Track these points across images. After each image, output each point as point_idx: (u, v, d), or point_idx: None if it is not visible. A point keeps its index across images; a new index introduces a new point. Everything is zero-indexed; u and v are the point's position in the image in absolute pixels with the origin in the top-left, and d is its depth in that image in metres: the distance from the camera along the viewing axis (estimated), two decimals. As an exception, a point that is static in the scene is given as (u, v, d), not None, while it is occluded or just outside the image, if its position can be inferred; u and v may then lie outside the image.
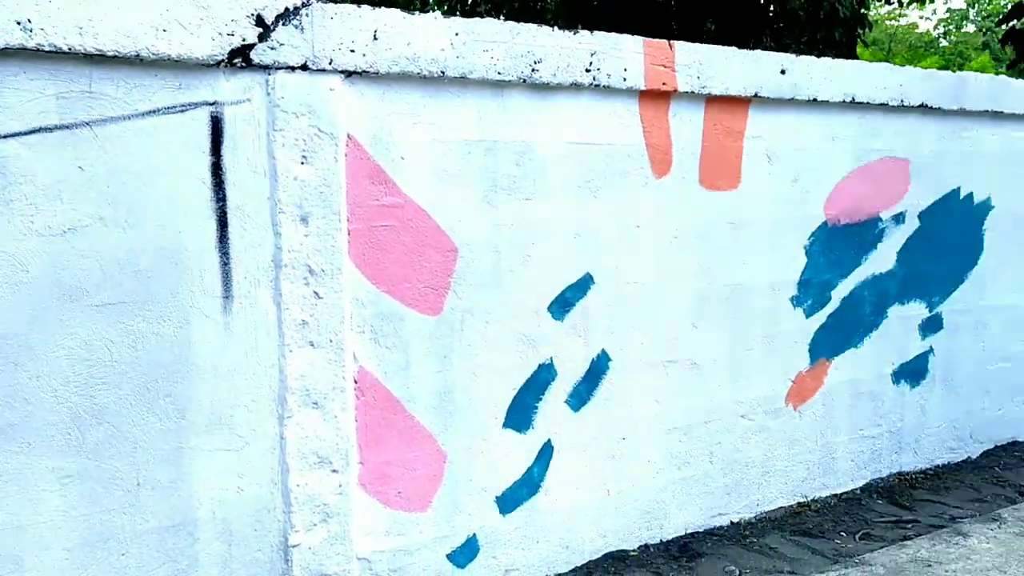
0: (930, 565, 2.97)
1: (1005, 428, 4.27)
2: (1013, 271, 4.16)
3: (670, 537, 3.20)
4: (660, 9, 9.54)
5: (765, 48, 9.36)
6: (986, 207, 4.02)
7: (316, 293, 2.38)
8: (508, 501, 2.85)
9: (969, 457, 4.12)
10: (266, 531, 2.39)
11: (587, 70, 2.78)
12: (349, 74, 2.40)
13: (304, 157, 2.34)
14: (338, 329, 2.42)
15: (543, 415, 2.87)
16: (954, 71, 3.86)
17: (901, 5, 13.79)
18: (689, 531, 3.26)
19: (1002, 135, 4.01)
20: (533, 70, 2.68)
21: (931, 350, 3.93)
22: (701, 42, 9.31)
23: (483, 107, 2.65)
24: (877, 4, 13.21)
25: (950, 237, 3.92)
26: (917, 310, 3.86)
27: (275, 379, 2.36)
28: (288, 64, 2.29)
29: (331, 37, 2.34)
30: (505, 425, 2.81)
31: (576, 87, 2.79)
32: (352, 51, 2.37)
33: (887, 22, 33.52)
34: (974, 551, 3.08)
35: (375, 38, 2.40)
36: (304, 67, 2.32)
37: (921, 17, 39.42)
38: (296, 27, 2.28)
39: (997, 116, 3.97)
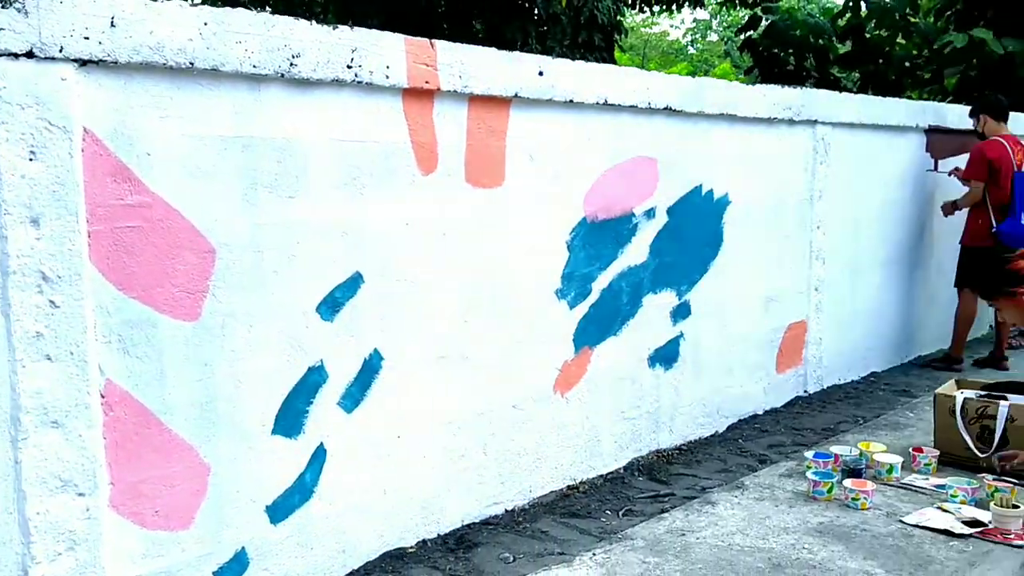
0: (683, 534, 3.21)
1: (746, 403, 4.72)
2: (749, 260, 4.60)
3: (447, 530, 3.24)
4: (429, 9, 9.61)
5: (531, 50, 9.69)
6: (725, 202, 4.41)
7: (52, 302, 2.17)
8: (279, 510, 2.75)
9: (717, 431, 4.51)
10: (1, 566, 2.15)
11: (348, 66, 2.74)
12: (84, 63, 2.20)
13: (32, 153, 2.12)
14: (80, 340, 2.23)
15: (314, 419, 2.80)
16: (700, 76, 4.19)
17: (653, 13, 14.81)
18: (466, 523, 3.32)
19: (737, 136, 4.42)
20: (292, 64, 2.60)
21: (682, 335, 4.25)
22: (470, 43, 9.50)
23: (239, 101, 2.53)
24: (632, 12, 14.09)
25: (695, 230, 4.26)
26: (668, 298, 4.17)
27: (6, 398, 2.13)
28: (10, 51, 2.07)
29: (61, 22, 2.14)
30: (274, 432, 2.72)
31: (338, 83, 2.75)
32: (87, 38, 2.18)
33: (642, 29, 35.91)
34: (721, 517, 3.37)
35: (113, 25, 2.22)
36: (30, 54, 2.10)
37: (671, 26, 42.44)
38: (19, 10, 2.06)
39: (732, 119, 4.36)
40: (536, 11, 9.87)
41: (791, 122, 4.73)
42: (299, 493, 2.80)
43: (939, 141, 6.03)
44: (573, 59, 10.39)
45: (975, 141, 5.77)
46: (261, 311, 2.64)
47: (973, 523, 3.21)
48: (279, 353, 2.70)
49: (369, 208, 2.89)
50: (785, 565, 2.95)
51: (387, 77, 2.85)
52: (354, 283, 2.87)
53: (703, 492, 3.69)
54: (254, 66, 2.51)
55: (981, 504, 3.37)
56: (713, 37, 41.64)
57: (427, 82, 2.98)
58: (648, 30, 36.94)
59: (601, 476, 3.87)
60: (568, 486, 3.73)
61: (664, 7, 13.77)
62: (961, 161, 6.08)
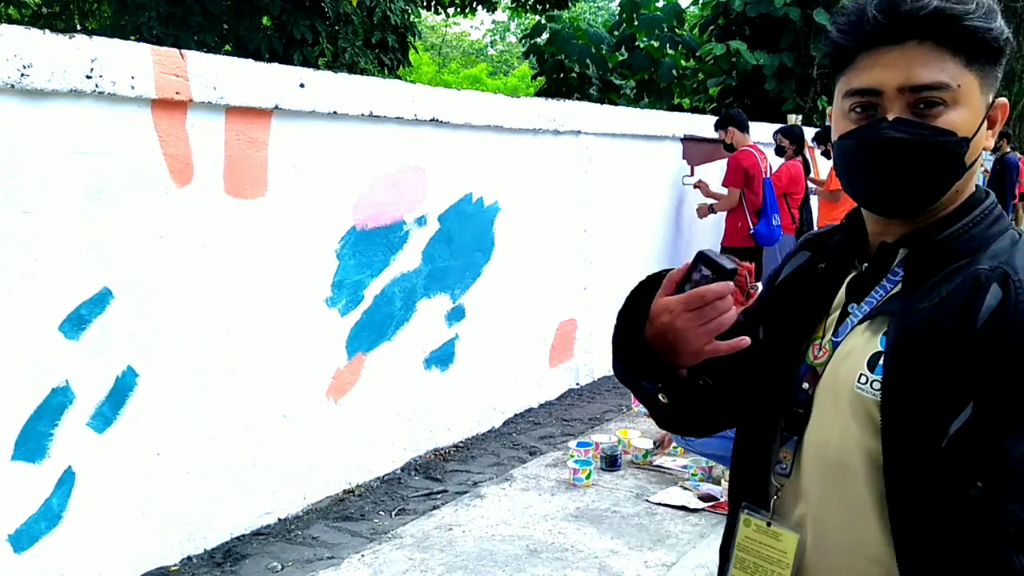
0: (451, 528, 3.37)
1: (521, 398, 4.97)
2: (520, 263, 4.84)
3: (215, 545, 3.22)
4: (214, 2, 9.27)
5: (322, 49, 9.59)
6: (495, 209, 4.63)
7: None
8: (24, 538, 2.64)
9: (493, 427, 4.73)
10: None
11: (88, 76, 2.66)
12: None
13: None
14: None
15: (60, 442, 2.70)
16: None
17: (447, 15, 15.04)
18: (235, 535, 3.31)
19: (506, 146, 4.64)
20: (23, 75, 2.50)
21: (457, 337, 4.42)
22: (257, 42, 9.24)
23: (-39, 113, 2.40)
24: (429, 12, 14.25)
25: (467, 236, 4.44)
26: (443, 302, 4.32)
27: None
28: None
29: None
30: (15, 457, 2.60)
31: (76, 94, 2.66)
32: None
33: (443, 28, 36.23)
34: (488, 510, 3.56)
35: None
36: None
37: (471, 27, 43.10)
38: None
39: (500, 129, 4.58)
40: (326, 9, 9.79)
41: (556, 132, 5.02)
42: (46, 519, 2.69)
43: (693, 149, 6.60)
44: (367, 58, 10.36)
45: (722, 149, 6.37)
46: (-5, 333, 2.52)
47: (707, 498, 3.58)
48: (18, 375, 2.58)
49: (117, 222, 2.82)
50: (541, 550, 3.18)
51: (132, 88, 2.79)
52: (102, 299, 2.79)
53: (475, 487, 3.87)
54: (-23, 77, 2.39)
55: (715, 480, 3.76)
56: (512, 39, 42.74)
57: (178, 93, 2.94)
58: (448, 30, 37.32)
59: (378, 478, 3.96)
60: (344, 490, 3.80)
61: (458, 9, 14.05)
62: (713, 168, 6.69)
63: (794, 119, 8.41)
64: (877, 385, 1.07)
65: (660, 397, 1.20)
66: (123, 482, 2.90)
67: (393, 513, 3.60)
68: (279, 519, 3.48)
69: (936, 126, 1.05)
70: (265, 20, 9.82)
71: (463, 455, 4.33)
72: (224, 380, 3.21)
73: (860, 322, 1.12)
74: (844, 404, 1.11)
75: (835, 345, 1.14)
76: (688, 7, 12.13)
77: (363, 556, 3.13)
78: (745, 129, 6.29)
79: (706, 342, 1.12)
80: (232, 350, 3.23)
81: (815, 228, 7.38)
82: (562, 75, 12.24)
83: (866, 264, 1.16)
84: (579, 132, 5.24)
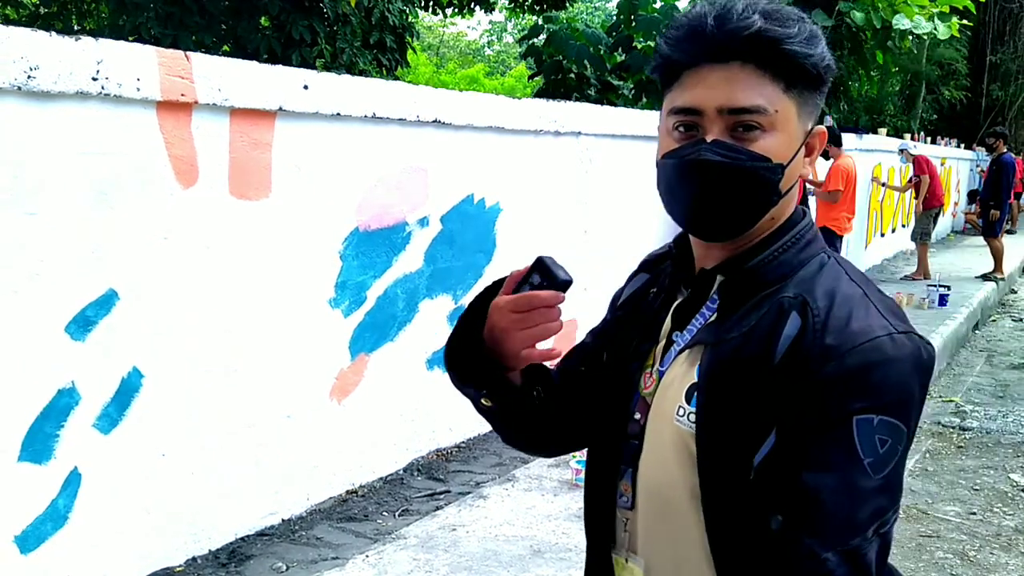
0: (455, 529, 3.38)
1: (523, 398, 4.97)
2: (519, 263, 4.84)
3: (219, 546, 3.23)
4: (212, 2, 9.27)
5: (320, 50, 9.59)
6: (497, 210, 4.64)
7: None
8: (30, 539, 2.64)
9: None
10: None
11: (94, 78, 2.67)
12: None
13: None
14: None
15: (66, 443, 2.71)
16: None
17: (445, 16, 15.05)
18: (239, 536, 3.32)
19: (507, 147, 4.65)
20: (30, 77, 2.50)
21: (458, 337, 4.43)
22: (256, 42, 9.24)
23: (-32, 115, 2.41)
24: (427, 13, 14.26)
25: (469, 237, 4.45)
26: (445, 303, 4.33)
27: None
28: None
29: None
30: (21, 458, 2.60)
31: (82, 95, 2.66)
32: None
33: (440, 29, 36.25)
34: (491, 510, 3.57)
35: None
36: None
37: (468, 27, 43.13)
38: None
39: (501, 130, 4.59)
40: (325, 10, 9.79)
41: (557, 133, 5.03)
42: (52, 520, 2.69)
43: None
44: (366, 59, 10.36)
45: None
46: (1, 333, 2.52)
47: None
48: (24, 376, 2.59)
49: (123, 223, 2.82)
50: (545, 551, 3.19)
51: (138, 90, 2.80)
52: (108, 300, 2.80)
53: (477, 487, 3.88)
54: (-16, 79, 2.40)
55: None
56: (509, 39, 42.76)
57: (183, 95, 2.94)
58: (445, 30, 37.33)
59: (381, 478, 3.97)
60: (347, 491, 3.81)
61: (456, 10, 14.06)
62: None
63: (792, 120, 8.43)
64: (693, 417, 1.05)
65: (483, 400, 1.18)
66: (129, 483, 2.90)
67: (396, 514, 3.61)
68: (283, 520, 3.49)
69: (751, 151, 1.02)
70: (264, 20, 9.83)
71: (465, 455, 4.34)
72: (228, 381, 3.22)
73: (680, 352, 1.10)
74: (666, 437, 1.09)
75: (661, 375, 1.12)
76: (685, 8, 12.16)
77: (367, 557, 3.14)
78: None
79: (525, 346, 1.12)
80: (236, 351, 3.24)
81: (813, 229, 7.43)
82: (560, 76, 12.25)
83: (688, 291, 1.15)
84: (579, 133, 5.25)
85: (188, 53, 2.95)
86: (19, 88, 2.49)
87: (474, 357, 1.16)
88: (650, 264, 1.28)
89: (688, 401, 1.06)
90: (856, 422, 0.94)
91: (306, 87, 3.39)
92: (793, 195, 1.09)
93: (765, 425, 0.99)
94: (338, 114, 3.56)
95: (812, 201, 7.66)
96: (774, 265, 1.07)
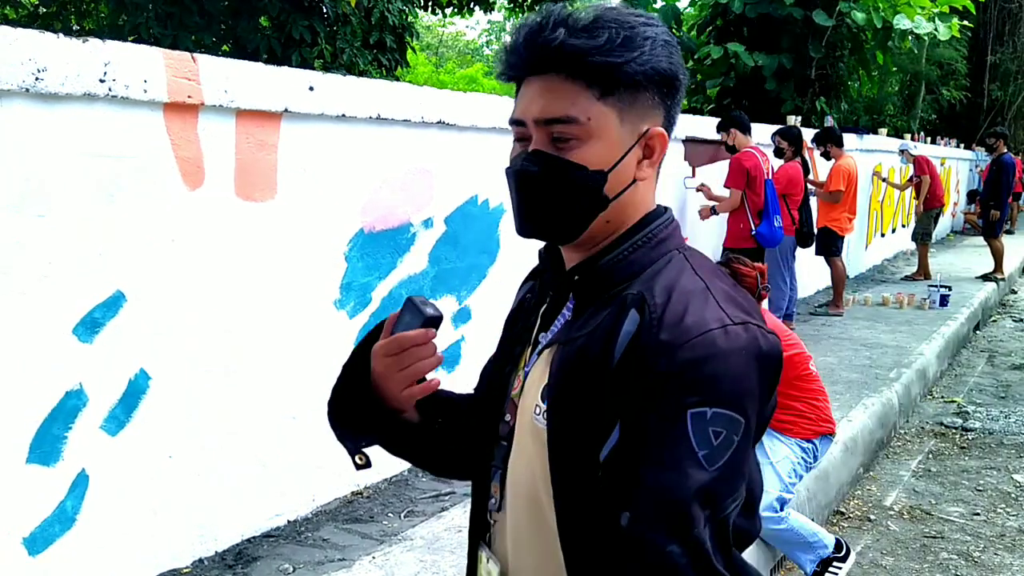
0: (460, 531, 3.38)
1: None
2: (522, 264, 4.84)
3: (226, 547, 3.23)
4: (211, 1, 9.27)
5: (320, 50, 9.59)
6: (500, 211, 4.64)
7: None
8: (38, 541, 2.64)
9: (499, 428, 4.73)
10: None
11: (101, 80, 2.66)
12: None
13: None
14: None
15: (74, 445, 2.71)
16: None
17: (444, 15, 15.06)
18: (245, 537, 3.31)
19: (510, 148, 4.64)
20: (37, 79, 2.50)
21: (463, 338, 4.43)
22: (255, 42, 9.23)
23: (-23, 117, 2.41)
24: (425, 13, 14.27)
25: (472, 238, 4.45)
26: (449, 304, 4.33)
27: None
28: None
29: None
30: (29, 460, 2.60)
31: (90, 97, 2.66)
32: None
33: (439, 28, 36.24)
34: (496, 511, 3.57)
35: None
36: None
37: (467, 27, 43.10)
38: None
39: (504, 131, 4.58)
40: (325, 10, 9.79)
41: (560, 134, 5.03)
42: (60, 522, 2.69)
43: (695, 150, 6.62)
44: (365, 59, 10.36)
45: (724, 150, 6.40)
46: (9, 334, 2.52)
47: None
48: (32, 378, 2.59)
49: (130, 225, 2.82)
50: (551, 552, 3.19)
51: (145, 92, 2.80)
52: (116, 302, 2.80)
53: (482, 488, 3.88)
54: (-7, 81, 2.40)
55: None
56: (508, 39, 42.68)
57: (190, 96, 2.94)
58: (444, 30, 37.31)
59: (385, 480, 3.97)
60: (352, 492, 3.81)
61: (455, 9, 14.06)
62: (715, 169, 6.72)
63: (793, 120, 8.45)
64: (546, 415, 1.07)
65: (356, 459, 1.23)
66: (135, 484, 2.90)
67: (402, 515, 3.61)
68: (289, 521, 3.49)
69: (567, 160, 1.05)
70: (263, 20, 9.82)
71: (469, 456, 4.34)
72: (233, 382, 3.22)
73: (540, 352, 1.13)
74: (528, 436, 1.11)
75: (526, 376, 1.15)
76: (685, 9, 12.16)
77: (374, 558, 3.14)
78: (747, 131, 6.32)
79: (404, 387, 1.15)
80: (242, 352, 3.24)
81: (815, 229, 7.45)
82: (560, 76, 12.23)
83: (551, 293, 1.17)
84: (583, 134, 5.24)
85: (195, 55, 2.95)
86: (27, 90, 2.49)
87: (366, 405, 1.20)
88: (535, 272, 1.30)
89: (543, 400, 1.09)
90: (690, 416, 0.95)
91: (311, 88, 3.39)
92: (635, 198, 1.09)
93: (609, 421, 1.01)
94: (343, 115, 3.55)
95: (814, 202, 7.66)
96: (624, 264, 1.08)
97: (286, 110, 3.30)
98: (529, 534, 1.12)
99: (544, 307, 1.18)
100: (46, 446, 2.64)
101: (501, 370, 1.21)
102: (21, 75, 2.47)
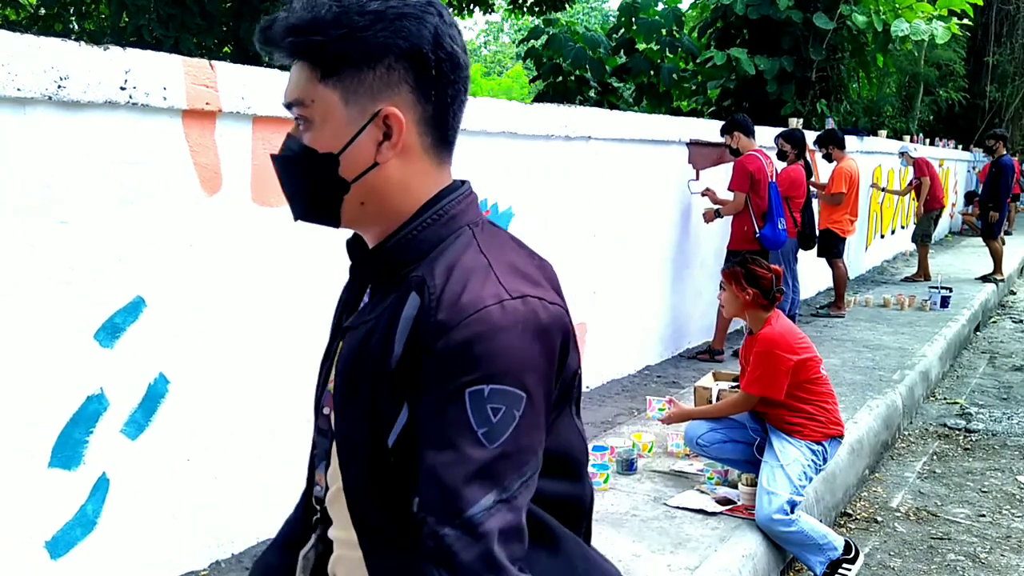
0: (474, 532, 3.41)
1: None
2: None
3: (242, 549, 3.25)
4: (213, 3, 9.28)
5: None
6: (509, 215, 4.67)
7: None
8: (60, 544, 2.67)
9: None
10: None
11: (122, 88, 2.69)
12: None
13: None
14: None
15: (95, 449, 2.73)
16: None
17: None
18: (262, 540, 3.33)
19: (519, 152, 4.68)
20: (59, 87, 2.53)
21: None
22: (254, 43, 9.28)
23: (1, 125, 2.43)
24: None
25: (481, 241, 4.47)
26: (458, 307, 4.35)
27: None
28: None
29: None
30: (51, 464, 2.63)
31: (111, 105, 2.69)
32: None
33: (436, 29, 36.21)
34: (509, 513, 3.60)
35: None
36: None
37: (465, 27, 43.10)
38: None
39: (514, 135, 4.62)
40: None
41: (567, 138, 5.06)
42: (81, 526, 2.72)
43: (699, 153, 6.65)
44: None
45: (728, 153, 6.44)
46: (32, 340, 2.54)
47: (724, 501, 3.63)
48: (54, 383, 2.61)
49: (149, 231, 2.85)
50: (565, 554, 3.22)
51: (165, 99, 2.82)
52: (136, 307, 2.82)
53: (493, 490, 3.91)
54: (18, 89, 2.42)
55: (732, 484, 3.81)
56: (506, 39, 42.79)
57: (208, 103, 2.97)
58: (441, 30, 37.29)
59: (396, 482, 3.99)
60: (364, 494, 3.83)
61: (455, 10, 14.10)
62: (719, 172, 6.76)
63: (795, 123, 8.49)
64: None
65: None
66: (155, 488, 2.93)
67: (415, 517, 3.63)
68: (302, 523, 3.51)
69: (300, 143, 1.06)
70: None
71: (479, 459, 4.36)
72: (251, 386, 3.24)
73: (341, 340, 1.14)
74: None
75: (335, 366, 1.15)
76: (686, 11, 12.20)
77: (389, 560, 3.16)
78: (751, 134, 6.35)
79: None
80: (259, 356, 3.27)
81: (817, 231, 7.49)
82: (560, 78, 12.29)
83: (357, 281, 1.19)
84: (589, 137, 5.28)
85: (213, 62, 2.98)
86: (49, 98, 2.52)
87: None
88: None
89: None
90: (468, 395, 0.94)
91: (326, 94, 3.41)
92: (391, 179, 1.07)
93: (396, 405, 1.01)
94: (357, 121, 3.57)
95: (815, 204, 7.70)
96: (410, 244, 1.07)
97: (301, 116, 3.32)
98: (343, 523, 1.13)
99: (346, 295, 1.21)
100: (68, 450, 2.66)
101: (323, 366, 1.22)
102: (44, 83, 2.49)
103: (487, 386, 0.95)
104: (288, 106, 1.07)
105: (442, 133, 1.10)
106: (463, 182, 1.14)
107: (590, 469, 3.82)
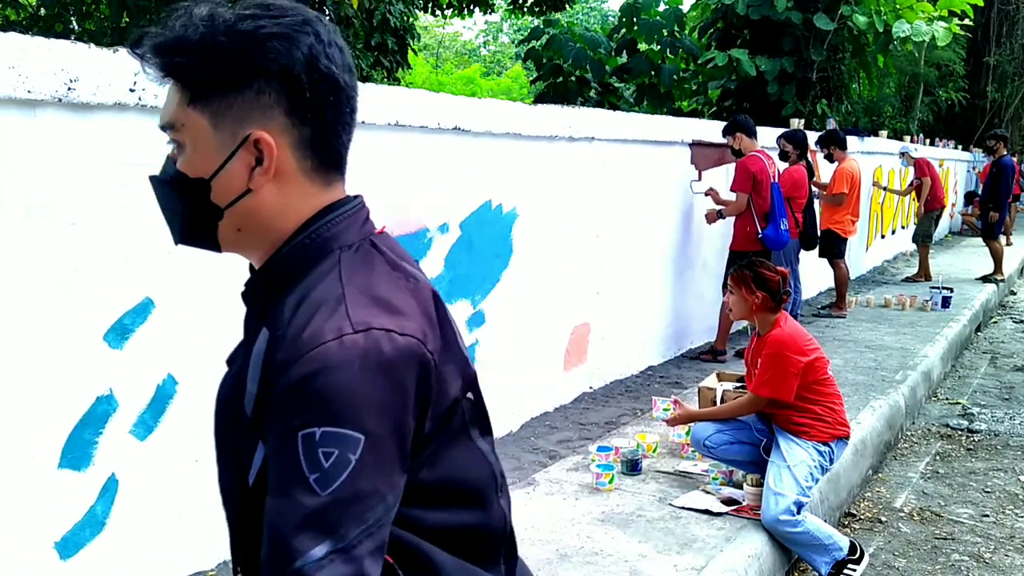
0: (480, 533, 3.42)
1: (538, 401, 5.02)
2: (537, 268, 4.89)
3: (249, 550, 3.25)
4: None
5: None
6: (514, 215, 4.68)
7: None
8: (69, 545, 2.67)
9: (512, 430, 4.77)
10: None
11: (131, 90, 2.70)
12: None
13: None
14: None
15: (104, 449, 2.74)
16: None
17: (445, 17, 15.10)
18: (268, 540, 3.34)
19: (523, 153, 4.69)
20: (70, 89, 2.53)
21: (477, 342, 4.47)
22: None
23: (9, 126, 2.44)
24: (424, 13, 14.30)
25: (487, 242, 4.49)
26: (464, 308, 4.37)
27: None
28: None
29: None
30: (62, 465, 2.63)
31: (120, 107, 2.69)
32: None
33: (436, 29, 36.27)
34: (515, 514, 3.59)
35: None
36: None
37: (464, 27, 43.11)
38: None
39: (518, 136, 4.63)
40: (327, 12, 9.81)
41: (571, 139, 5.07)
42: (91, 527, 2.72)
43: (701, 154, 6.66)
44: (367, 61, 10.39)
45: (730, 154, 6.45)
46: (40, 341, 2.55)
47: (729, 502, 3.64)
48: (63, 384, 2.62)
49: (158, 233, 2.84)
50: (572, 554, 3.23)
51: (174, 100, 2.82)
52: (144, 309, 2.83)
53: (498, 491, 3.91)
54: (29, 91, 2.42)
55: (737, 484, 3.82)
56: (505, 39, 42.80)
57: (216, 105, 2.97)
58: (441, 30, 37.33)
59: (402, 482, 4.00)
60: (370, 495, 3.83)
61: (455, 10, 14.10)
62: (721, 172, 6.77)
63: (796, 123, 8.50)
64: None
65: None
66: (163, 488, 2.93)
67: (421, 517, 3.64)
68: (309, 524, 3.52)
69: (174, 167, 1.03)
70: (267, 23, 9.83)
71: (483, 459, 4.37)
72: (258, 387, 3.25)
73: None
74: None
75: None
76: (687, 12, 12.22)
77: (396, 561, 3.17)
78: (753, 135, 6.36)
79: None
80: (265, 358, 3.27)
81: (818, 232, 7.50)
82: (560, 79, 12.31)
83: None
84: (592, 138, 5.29)
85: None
86: (59, 100, 2.52)
87: None
88: None
89: None
90: (300, 438, 0.89)
91: (333, 96, 3.42)
92: (267, 204, 1.02)
93: (253, 446, 0.98)
94: (363, 122, 3.57)
95: (817, 204, 7.72)
96: (275, 272, 1.04)
97: (308, 117, 3.33)
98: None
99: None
100: (77, 451, 2.67)
101: None
102: (54, 85, 2.50)
103: (319, 429, 0.89)
104: (163, 128, 1.03)
105: (325, 155, 1.04)
106: (352, 198, 1.08)
107: (594, 469, 3.84)
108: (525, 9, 14.31)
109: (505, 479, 1.22)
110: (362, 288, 0.98)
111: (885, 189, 11.19)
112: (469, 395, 1.07)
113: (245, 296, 1.11)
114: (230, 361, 1.11)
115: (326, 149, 1.04)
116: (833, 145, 8.05)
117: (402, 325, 0.95)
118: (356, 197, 1.10)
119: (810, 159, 7.40)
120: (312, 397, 0.89)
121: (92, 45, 2.62)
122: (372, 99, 3.61)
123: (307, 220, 1.04)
